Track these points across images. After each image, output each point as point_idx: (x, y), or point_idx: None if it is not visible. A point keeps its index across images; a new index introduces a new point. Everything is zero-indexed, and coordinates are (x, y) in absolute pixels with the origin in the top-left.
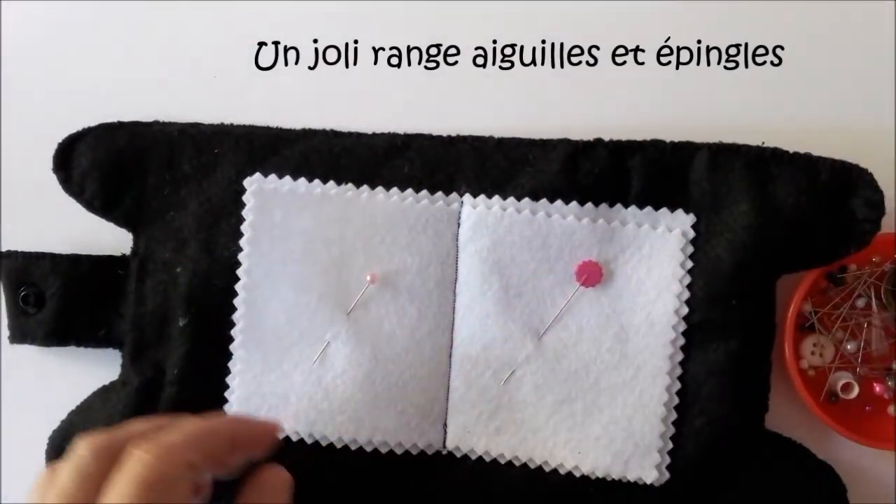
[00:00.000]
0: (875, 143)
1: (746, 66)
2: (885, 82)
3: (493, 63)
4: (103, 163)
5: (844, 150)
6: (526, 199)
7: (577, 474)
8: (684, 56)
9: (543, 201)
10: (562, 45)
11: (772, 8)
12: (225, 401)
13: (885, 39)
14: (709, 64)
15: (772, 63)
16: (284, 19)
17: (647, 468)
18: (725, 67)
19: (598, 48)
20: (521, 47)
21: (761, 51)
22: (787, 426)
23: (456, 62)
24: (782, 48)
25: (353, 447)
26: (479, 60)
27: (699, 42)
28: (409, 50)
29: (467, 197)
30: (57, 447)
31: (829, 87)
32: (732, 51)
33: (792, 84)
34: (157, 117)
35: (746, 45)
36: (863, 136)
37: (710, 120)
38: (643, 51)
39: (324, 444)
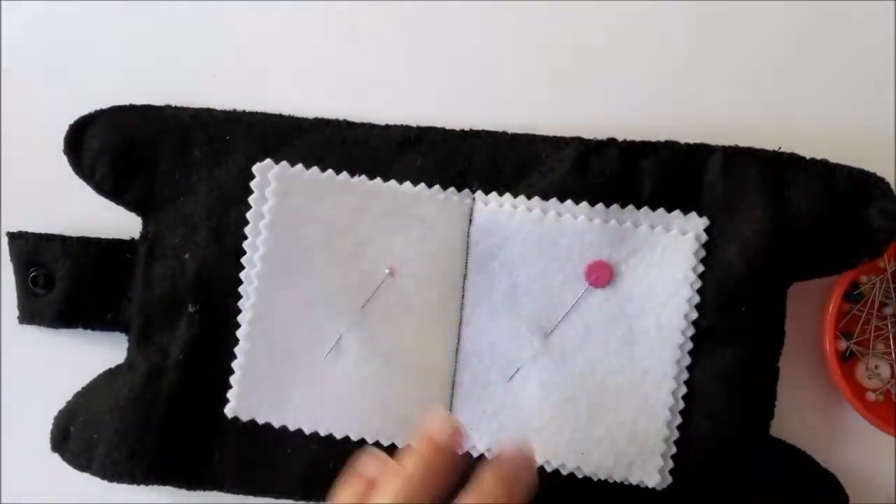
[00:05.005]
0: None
1: (762, 66)
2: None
3: (510, 56)
4: (114, 146)
5: (857, 154)
6: (536, 199)
7: (580, 475)
8: (700, 56)
9: (554, 200)
10: (581, 39)
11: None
12: (228, 387)
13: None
14: (724, 64)
15: (788, 65)
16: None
17: (650, 472)
18: (744, 66)
19: (615, 45)
20: (537, 40)
21: (779, 51)
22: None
23: (471, 54)
24: (798, 50)
25: (354, 438)
26: (495, 53)
27: (715, 42)
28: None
29: (479, 194)
30: (62, 428)
31: (845, 90)
32: (750, 51)
33: (808, 86)
34: (170, 101)
35: (763, 45)
36: (878, 140)
37: (725, 121)
38: (660, 50)
39: (324, 435)
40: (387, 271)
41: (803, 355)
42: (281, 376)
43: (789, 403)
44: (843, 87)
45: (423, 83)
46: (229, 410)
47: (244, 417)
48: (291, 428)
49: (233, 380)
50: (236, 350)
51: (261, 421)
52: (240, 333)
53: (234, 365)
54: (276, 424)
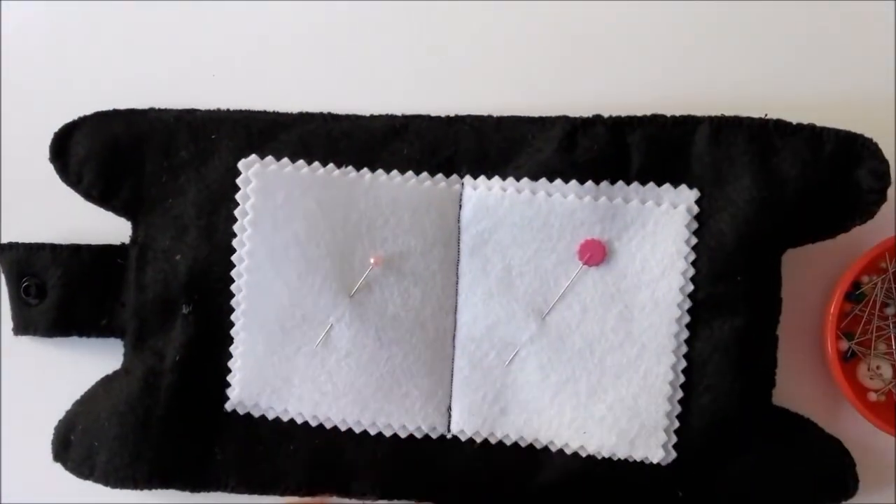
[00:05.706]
0: (878, 118)
1: (748, 36)
2: (888, 53)
3: (492, 39)
4: (100, 151)
5: (847, 123)
6: (525, 180)
7: (583, 454)
8: (684, 28)
9: (543, 181)
10: (560, 19)
11: None
12: (227, 385)
13: (886, 8)
14: (709, 36)
15: (773, 34)
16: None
17: (654, 447)
18: (727, 39)
19: (596, 22)
20: (521, 22)
21: (762, 21)
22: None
23: (454, 39)
24: (783, 18)
25: (356, 430)
26: (477, 37)
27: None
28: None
29: (468, 178)
30: (63, 438)
31: (831, 59)
32: (733, 22)
33: (794, 55)
34: (160, 100)
35: (748, 16)
36: (866, 108)
37: (711, 92)
38: (643, 24)
39: (328, 426)
40: (371, 261)
41: (804, 355)
42: (280, 363)
43: (790, 403)
44: (828, 52)
45: (406, 72)
46: (233, 399)
47: (248, 404)
48: (292, 414)
49: (234, 368)
50: (235, 340)
51: (263, 407)
52: (236, 324)
53: (234, 354)
54: (279, 410)
